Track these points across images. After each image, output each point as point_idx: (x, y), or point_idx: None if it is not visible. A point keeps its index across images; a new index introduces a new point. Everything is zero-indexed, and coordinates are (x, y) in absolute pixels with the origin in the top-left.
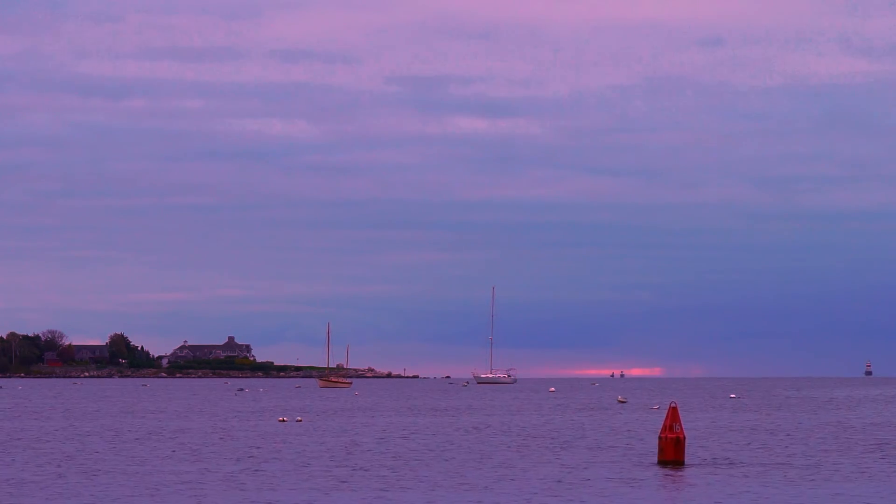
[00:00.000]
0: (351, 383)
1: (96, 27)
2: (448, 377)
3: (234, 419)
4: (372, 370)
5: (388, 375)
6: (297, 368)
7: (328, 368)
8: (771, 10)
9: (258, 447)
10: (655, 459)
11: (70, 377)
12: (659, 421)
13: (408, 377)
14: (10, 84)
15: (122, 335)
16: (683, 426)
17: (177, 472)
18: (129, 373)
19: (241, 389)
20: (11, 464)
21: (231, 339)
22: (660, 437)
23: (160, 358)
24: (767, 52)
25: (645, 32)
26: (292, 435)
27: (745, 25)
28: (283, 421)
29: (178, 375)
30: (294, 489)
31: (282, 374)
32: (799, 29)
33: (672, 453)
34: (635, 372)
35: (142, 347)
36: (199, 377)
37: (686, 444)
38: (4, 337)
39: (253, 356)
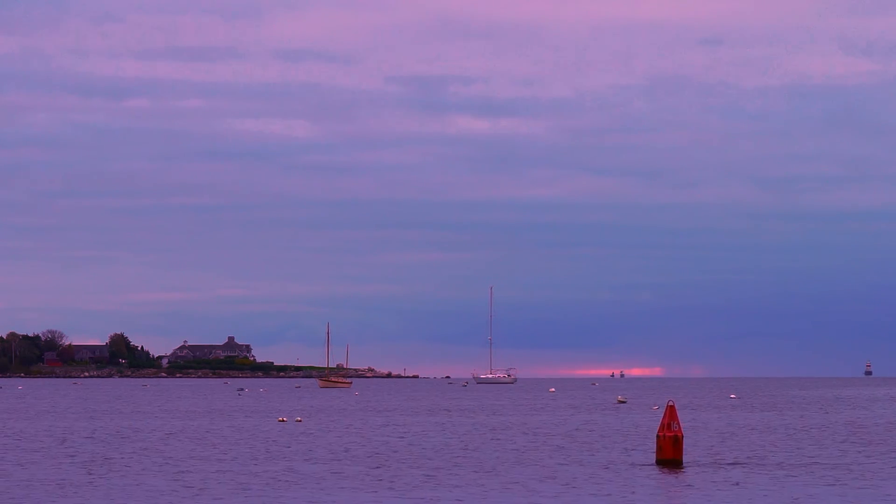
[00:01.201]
0: (351, 383)
1: (97, 27)
2: (448, 377)
3: (248, 419)
4: (372, 370)
5: (388, 375)
6: (297, 368)
7: (328, 368)
8: (771, 10)
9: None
10: (654, 458)
11: (70, 377)
12: (658, 420)
13: (408, 377)
14: (10, 84)
15: (122, 335)
16: (682, 425)
17: (211, 472)
18: (129, 373)
19: (242, 389)
20: (50, 464)
21: (231, 339)
22: (658, 436)
23: (160, 358)
24: (768, 51)
25: (645, 32)
26: (312, 434)
27: (746, 25)
28: (283, 421)
29: (178, 375)
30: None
31: (282, 374)
32: (799, 29)
33: (670, 452)
34: (635, 372)
35: (142, 347)
36: (200, 377)
37: (684, 443)
38: (4, 337)
39: (253, 356)
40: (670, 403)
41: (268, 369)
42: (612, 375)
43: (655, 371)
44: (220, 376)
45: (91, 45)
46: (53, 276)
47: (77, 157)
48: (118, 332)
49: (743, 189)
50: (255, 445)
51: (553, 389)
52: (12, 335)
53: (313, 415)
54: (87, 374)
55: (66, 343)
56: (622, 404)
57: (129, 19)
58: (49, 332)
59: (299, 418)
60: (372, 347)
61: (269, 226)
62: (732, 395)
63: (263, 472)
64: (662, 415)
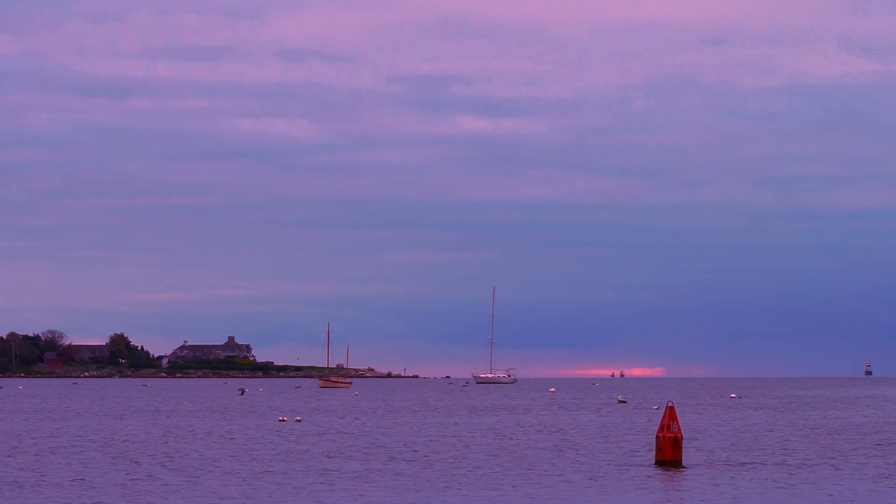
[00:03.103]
0: (351, 383)
1: (97, 27)
2: (448, 377)
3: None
4: (372, 370)
5: (388, 375)
6: (297, 368)
7: (328, 368)
8: (773, 10)
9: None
10: (653, 459)
11: (70, 377)
12: (658, 421)
13: (408, 377)
14: (10, 84)
15: (122, 335)
16: (682, 425)
17: (279, 472)
18: (129, 373)
19: (244, 389)
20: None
21: (231, 339)
22: (658, 437)
23: (160, 358)
24: (769, 51)
25: (647, 32)
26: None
27: (747, 25)
28: (283, 420)
29: (178, 375)
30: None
31: (282, 374)
32: (801, 28)
33: (670, 453)
34: (636, 372)
35: (142, 347)
36: (199, 377)
37: (684, 444)
38: (4, 337)
39: (253, 356)
40: (670, 404)
41: (268, 369)
42: (613, 375)
43: (656, 371)
44: (220, 376)
45: (92, 44)
46: (53, 276)
47: (77, 157)
48: (118, 332)
49: (743, 189)
50: (319, 444)
51: (553, 389)
52: (12, 335)
53: (343, 415)
54: (87, 374)
55: (66, 343)
56: (622, 404)
57: (130, 19)
58: (49, 332)
59: (299, 418)
60: (372, 347)
61: (269, 226)
62: (733, 395)
63: (337, 469)
64: (662, 416)
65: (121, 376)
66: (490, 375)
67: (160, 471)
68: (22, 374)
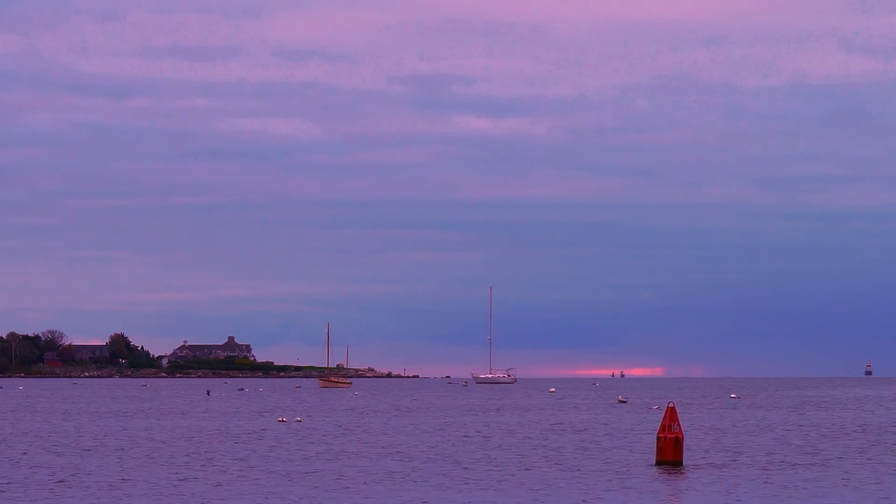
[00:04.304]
0: (351, 383)
1: (98, 26)
2: (448, 377)
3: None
4: (372, 370)
5: (388, 375)
6: (297, 368)
7: (328, 368)
8: (774, 10)
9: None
10: (654, 460)
11: (70, 377)
12: (658, 420)
13: (408, 377)
14: (10, 83)
15: (122, 335)
16: (682, 426)
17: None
18: (129, 373)
19: (242, 389)
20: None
21: (231, 339)
22: (658, 437)
23: (160, 358)
24: (770, 51)
25: (648, 32)
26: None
27: (748, 25)
28: (283, 421)
29: (178, 375)
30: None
31: (282, 374)
32: (802, 28)
33: (671, 453)
34: (636, 372)
35: (142, 347)
36: (200, 377)
37: (685, 444)
38: (4, 337)
39: (253, 356)
40: (670, 405)
41: (268, 369)
42: (613, 375)
43: (656, 371)
44: (220, 376)
45: (92, 44)
46: (53, 276)
47: (78, 157)
48: (118, 332)
49: (743, 189)
50: (365, 442)
51: (553, 389)
52: (12, 335)
53: (365, 415)
54: (87, 374)
55: (66, 343)
56: (623, 404)
57: (131, 18)
58: (49, 332)
59: (299, 418)
60: (372, 347)
61: (269, 226)
62: (733, 395)
63: (378, 470)
64: (663, 416)
65: (121, 376)
66: (490, 375)
67: (163, 471)
68: (22, 374)
